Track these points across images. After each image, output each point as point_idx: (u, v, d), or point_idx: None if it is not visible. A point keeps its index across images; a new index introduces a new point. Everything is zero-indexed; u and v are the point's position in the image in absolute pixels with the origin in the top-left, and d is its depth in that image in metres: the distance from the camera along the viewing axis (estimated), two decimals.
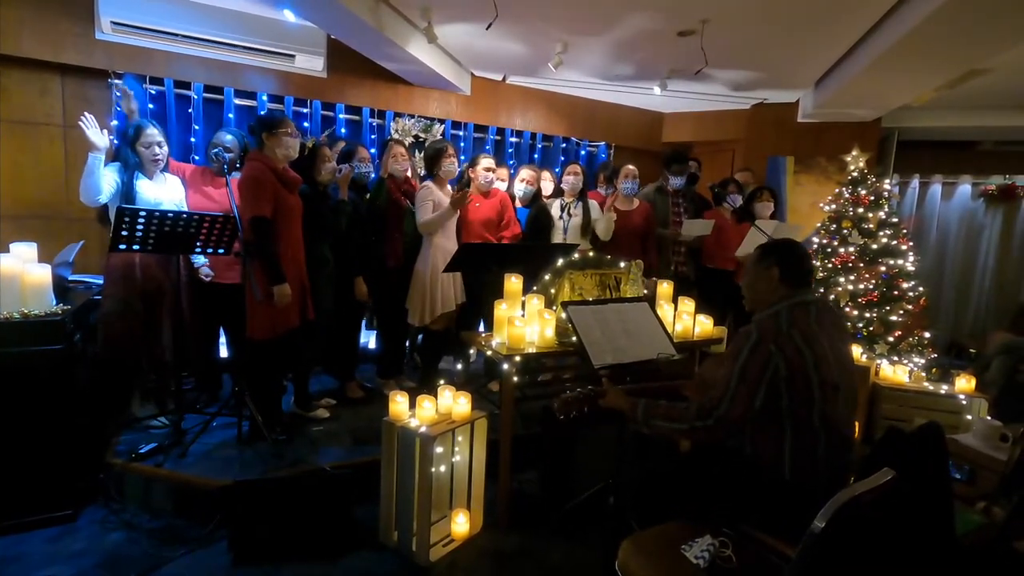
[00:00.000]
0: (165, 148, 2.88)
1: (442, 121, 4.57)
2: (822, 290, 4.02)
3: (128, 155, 2.77)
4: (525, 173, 3.70)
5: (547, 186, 4.02)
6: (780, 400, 1.59)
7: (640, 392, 1.92)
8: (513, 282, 2.55)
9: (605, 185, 4.28)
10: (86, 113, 2.71)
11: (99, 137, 2.67)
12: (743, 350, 1.63)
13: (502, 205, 3.55)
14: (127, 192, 2.72)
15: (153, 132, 2.82)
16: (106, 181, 2.70)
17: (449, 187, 3.45)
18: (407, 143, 4.08)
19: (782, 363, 1.58)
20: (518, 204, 3.73)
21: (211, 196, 3.07)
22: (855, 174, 4.07)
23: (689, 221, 3.99)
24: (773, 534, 1.59)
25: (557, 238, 3.68)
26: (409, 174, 3.66)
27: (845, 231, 4.02)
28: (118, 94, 3.36)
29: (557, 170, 4.56)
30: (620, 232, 3.78)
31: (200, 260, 3.02)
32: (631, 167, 3.89)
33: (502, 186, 3.78)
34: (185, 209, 2.95)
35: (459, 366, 3.78)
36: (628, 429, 2.16)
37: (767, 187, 4.30)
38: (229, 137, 3.08)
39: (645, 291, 2.88)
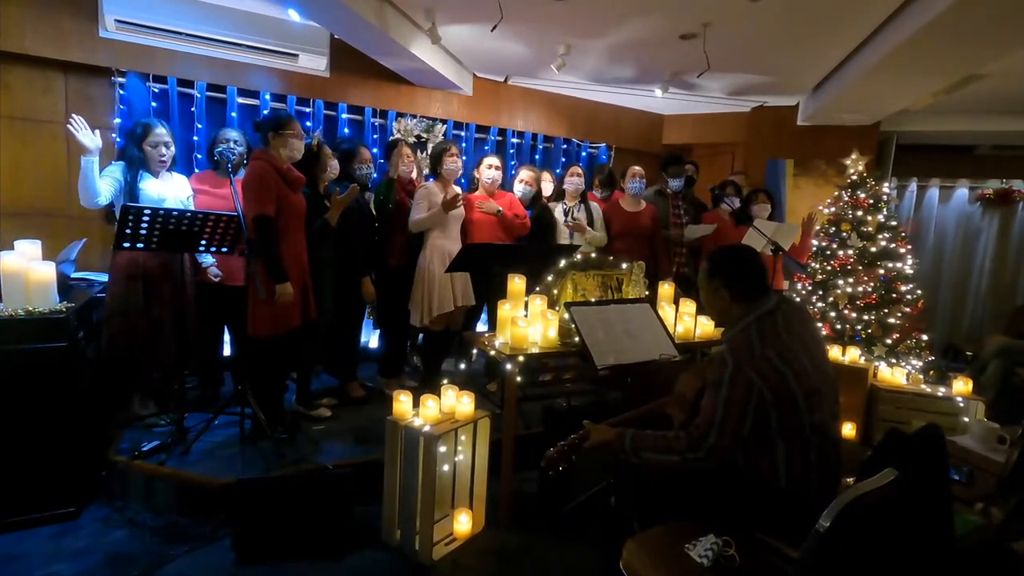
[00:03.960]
0: (172, 149, 2.87)
1: (444, 121, 4.58)
2: (820, 292, 4.04)
3: (133, 153, 2.76)
4: (524, 174, 3.71)
5: (548, 187, 4.04)
6: (769, 420, 1.59)
7: (624, 422, 1.90)
8: (516, 283, 2.56)
9: (600, 189, 4.30)
10: (74, 115, 2.64)
11: (90, 139, 2.61)
12: (723, 380, 1.60)
13: (510, 203, 3.56)
14: (131, 191, 2.71)
15: (161, 132, 2.81)
16: (104, 183, 2.68)
17: (455, 187, 3.46)
18: (410, 143, 4.09)
19: (765, 388, 1.57)
20: None
21: (218, 195, 3.06)
22: (854, 177, 4.10)
23: (692, 226, 4.03)
24: (774, 536, 1.61)
25: (562, 241, 3.69)
26: (414, 175, 3.68)
27: (844, 234, 4.04)
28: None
29: (558, 171, 4.58)
30: (628, 233, 3.78)
31: (208, 260, 3.02)
32: (637, 167, 3.90)
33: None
34: (190, 208, 2.95)
35: (462, 366, 3.79)
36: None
37: (763, 189, 4.33)
38: (234, 134, 3.09)
39: (647, 292, 2.89)
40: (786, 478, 1.63)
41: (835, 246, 4.06)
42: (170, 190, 2.88)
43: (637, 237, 3.79)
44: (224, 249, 2.69)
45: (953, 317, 5.95)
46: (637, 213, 3.86)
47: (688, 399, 1.92)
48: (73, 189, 3.43)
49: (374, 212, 3.33)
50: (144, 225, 2.42)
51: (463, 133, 4.72)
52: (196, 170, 3.52)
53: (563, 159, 5.14)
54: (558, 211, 3.74)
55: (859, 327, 3.85)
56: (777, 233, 3.61)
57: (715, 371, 1.65)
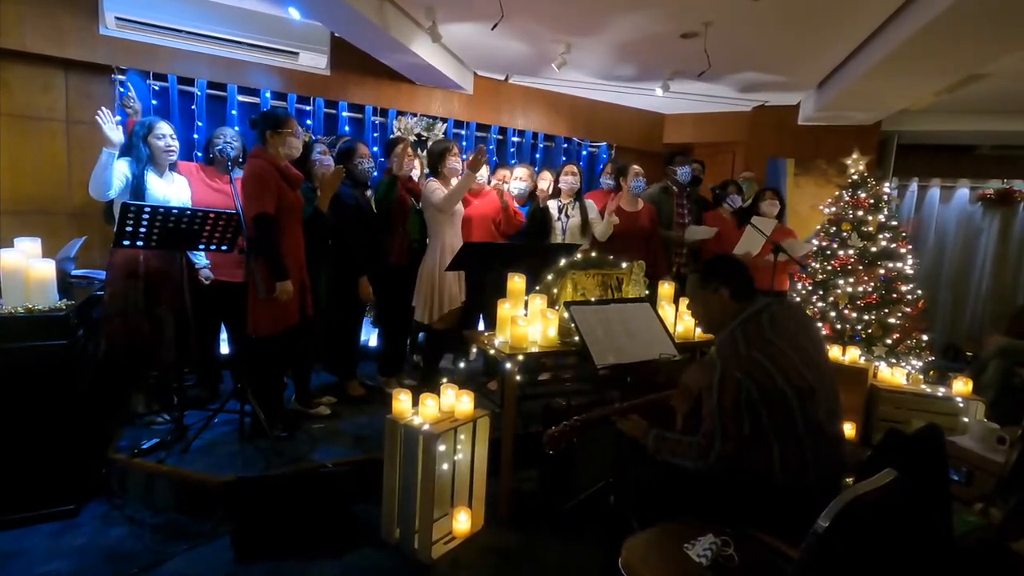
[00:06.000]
0: (177, 142, 2.87)
1: (444, 120, 4.58)
2: (820, 292, 4.04)
3: (140, 149, 2.74)
4: (519, 171, 3.74)
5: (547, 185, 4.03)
6: (760, 419, 1.61)
7: (631, 409, 1.97)
8: (516, 282, 2.56)
9: (612, 176, 4.27)
10: (103, 108, 2.69)
11: (115, 132, 2.66)
12: (714, 384, 1.65)
13: (499, 196, 3.60)
14: (137, 187, 2.71)
15: (163, 124, 2.82)
16: (116, 176, 2.69)
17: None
18: (410, 141, 4.09)
19: (753, 387, 1.60)
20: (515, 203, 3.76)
21: (220, 189, 3.06)
22: (855, 177, 4.09)
23: (693, 228, 4.04)
24: (773, 534, 1.61)
25: (556, 239, 3.70)
26: (415, 174, 3.68)
27: (845, 234, 4.04)
28: (122, 90, 3.37)
29: None
30: (626, 233, 3.79)
31: (201, 262, 3.02)
32: (637, 167, 3.92)
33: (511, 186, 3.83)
34: (190, 207, 2.95)
35: (461, 364, 3.79)
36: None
37: (773, 187, 4.34)
38: (230, 131, 3.10)
39: (647, 291, 2.89)
40: (783, 476, 1.64)
41: (835, 246, 4.06)
42: (173, 191, 2.87)
43: (634, 237, 3.80)
44: (224, 247, 2.69)
45: (953, 317, 5.94)
46: (635, 213, 3.87)
47: (692, 392, 1.94)
48: (73, 186, 3.47)
49: (375, 210, 3.32)
50: (144, 223, 2.42)
51: (463, 132, 4.72)
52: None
53: (563, 158, 5.12)
54: (552, 209, 3.76)
55: (859, 327, 3.85)
56: (793, 248, 3.65)
57: (708, 375, 1.70)
